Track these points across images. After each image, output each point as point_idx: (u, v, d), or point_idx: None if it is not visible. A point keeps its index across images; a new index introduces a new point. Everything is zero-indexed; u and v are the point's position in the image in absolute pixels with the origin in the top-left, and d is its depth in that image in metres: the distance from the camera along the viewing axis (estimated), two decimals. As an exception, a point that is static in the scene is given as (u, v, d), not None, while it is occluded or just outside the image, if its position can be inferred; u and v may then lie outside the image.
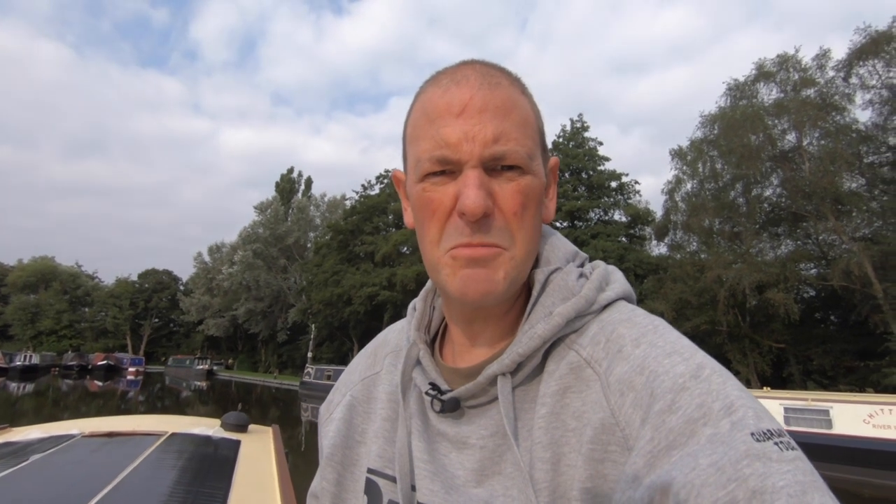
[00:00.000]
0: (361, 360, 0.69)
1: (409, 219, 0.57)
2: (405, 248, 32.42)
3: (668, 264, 23.86)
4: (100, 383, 35.96)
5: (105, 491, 1.89)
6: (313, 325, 38.35)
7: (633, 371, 0.44)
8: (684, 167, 23.54)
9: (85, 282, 62.78)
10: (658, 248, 27.33)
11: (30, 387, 31.58)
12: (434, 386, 0.55)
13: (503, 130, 0.48)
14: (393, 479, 0.54)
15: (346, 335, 37.28)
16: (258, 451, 2.75)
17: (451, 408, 0.52)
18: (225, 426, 3.09)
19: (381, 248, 32.68)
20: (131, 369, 44.61)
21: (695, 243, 23.72)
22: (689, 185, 23.69)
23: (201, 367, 44.09)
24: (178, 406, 23.80)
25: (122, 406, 23.86)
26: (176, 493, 1.99)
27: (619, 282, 0.55)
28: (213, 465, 2.43)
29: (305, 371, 31.77)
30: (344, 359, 36.79)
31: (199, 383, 38.34)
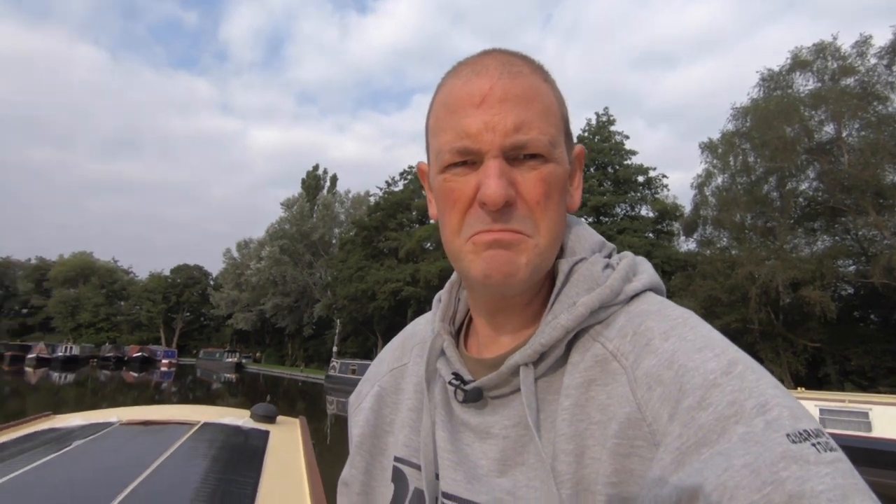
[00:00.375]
0: (390, 352, 0.70)
1: (433, 210, 0.57)
2: (429, 244, 32.52)
3: (697, 260, 23.30)
4: (135, 374, 37.31)
5: (142, 477, 1.97)
6: (338, 320, 38.90)
7: (662, 365, 0.42)
8: (715, 161, 22.89)
9: (121, 276, 65.23)
10: (686, 244, 26.72)
11: (70, 377, 33.03)
12: (457, 376, 0.55)
13: (524, 119, 0.48)
14: (418, 468, 0.55)
15: (371, 330, 37.68)
16: (287, 442, 2.81)
17: (474, 398, 0.53)
18: (254, 417, 3.17)
19: (404, 244, 32.87)
20: (165, 361, 46.05)
21: (725, 239, 23.09)
22: (719, 179, 23.05)
23: (231, 359, 45.14)
24: (209, 397, 24.52)
25: (157, 396, 24.72)
26: (209, 480, 2.06)
27: (647, 272, 0.54)
28: (244, 454, 2.50)
29: (331, 365, 32.27)
30: (368, 354, 37.21)
31: (228, 375, 39.38)
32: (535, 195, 0.48)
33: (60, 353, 43.35)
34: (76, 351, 45.98)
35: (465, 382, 0.54)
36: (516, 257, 0.48)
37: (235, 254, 55.02)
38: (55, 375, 33.75)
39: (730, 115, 22.25)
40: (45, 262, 65.90)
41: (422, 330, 0.67)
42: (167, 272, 64.93)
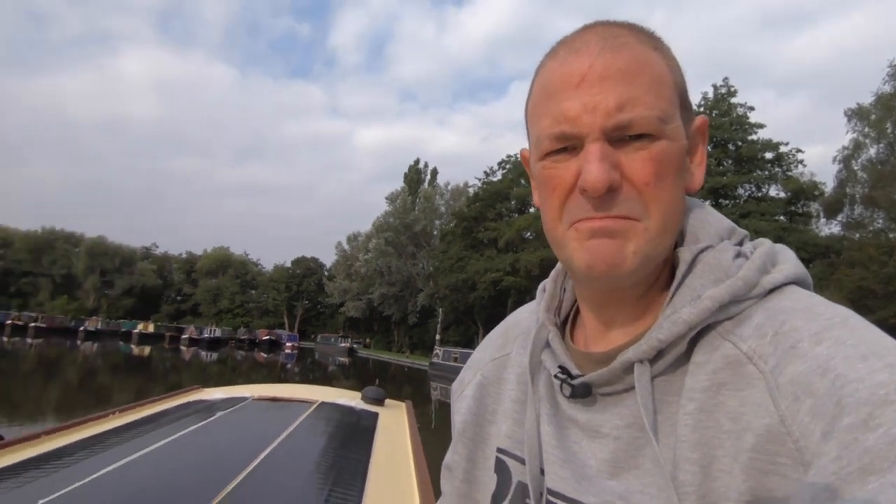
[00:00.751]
0: (492, 341, 0.69)
1: (536, 198, 0.54)
2: (528, 234, 32.11)
3: (842, 246, 20.27)
4: (265, 355, 42.11)
5: (270, 448, 2.21)
6: (440, 309, 40.11)
7: (813, 373, 0.36)
8: (866, 129, 19.67)
9: (251, 268, 73.59)
10: (828, 228, 23.35)
11: (214, 355, 38.21)
12: (563, 370, 0.52)
13: (629, 96, 0.44)
14: (522, 461, 0.54)
15: (472, 320, 38.30)
16: (394, 424, 2.97)
17: (582, 393, 0.50)
18: (365, 399, 3.39)
19: (504, 234, 32.79)
20: (288, 344, 51.17)
21: (880, 220, 19.79)
22: (872, 151, 19.82)
23: (344, 344, 49.10)
24: (325, 378, 26.77)
25: (282, 375, 27.58)
26: (327, 455, 2.25)
27: (789, 262, 0.47)
28: (356, 432, 2.69)
29: (434, 352, 33.44)
30: (470, 342, 37.88)
31: (342, 359, 42.71)
32: (644, 175, 0.44)
33: (206, 335, 50.32)
34: (218, 333, 53.07)
35: (571, 377, 0.51)
36: (623, 245, 0.45)
37: (346, 246, 59.23)
38: (202, 354, 39.20)
39: (886, 75, 18.97)
40: (193, 256, 76.32)
41: (525, 319, 0.65)
42: (288, 264, 71.83)
